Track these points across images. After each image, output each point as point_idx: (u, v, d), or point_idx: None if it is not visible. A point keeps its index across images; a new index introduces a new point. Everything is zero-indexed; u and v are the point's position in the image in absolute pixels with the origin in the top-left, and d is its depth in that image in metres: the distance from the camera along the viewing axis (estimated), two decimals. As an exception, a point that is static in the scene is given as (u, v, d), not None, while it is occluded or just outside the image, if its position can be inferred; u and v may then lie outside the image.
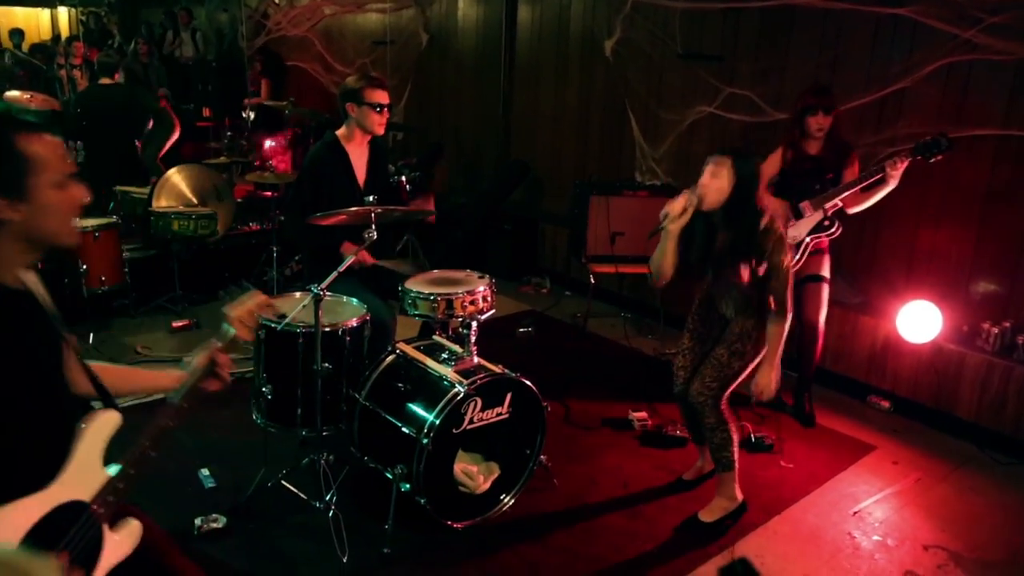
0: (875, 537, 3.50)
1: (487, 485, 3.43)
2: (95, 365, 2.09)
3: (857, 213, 4.22)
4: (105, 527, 1.89)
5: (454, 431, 3.24)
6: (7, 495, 1.69)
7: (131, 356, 5.07)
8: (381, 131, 3.95)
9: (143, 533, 2.00)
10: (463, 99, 8.01)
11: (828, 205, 4.11)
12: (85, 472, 1.85)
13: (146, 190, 6.07)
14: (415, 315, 3.56)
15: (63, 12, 13.17)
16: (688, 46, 5.73)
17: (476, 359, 3.47)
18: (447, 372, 3.35)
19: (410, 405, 3.34)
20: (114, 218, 5.52)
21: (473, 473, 3.42)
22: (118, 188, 6.31)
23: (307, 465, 3.56)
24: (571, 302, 6.45)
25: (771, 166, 4.29)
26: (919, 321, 4.47)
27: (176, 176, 6.07)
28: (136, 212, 6.10)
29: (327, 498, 3.35)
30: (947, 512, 3.72)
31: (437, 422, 3.15)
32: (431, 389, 3.32)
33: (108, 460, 1.91)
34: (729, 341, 3.35)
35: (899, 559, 3.36)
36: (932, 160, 3.87)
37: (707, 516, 3.47)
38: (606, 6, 6.26)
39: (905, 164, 3.90)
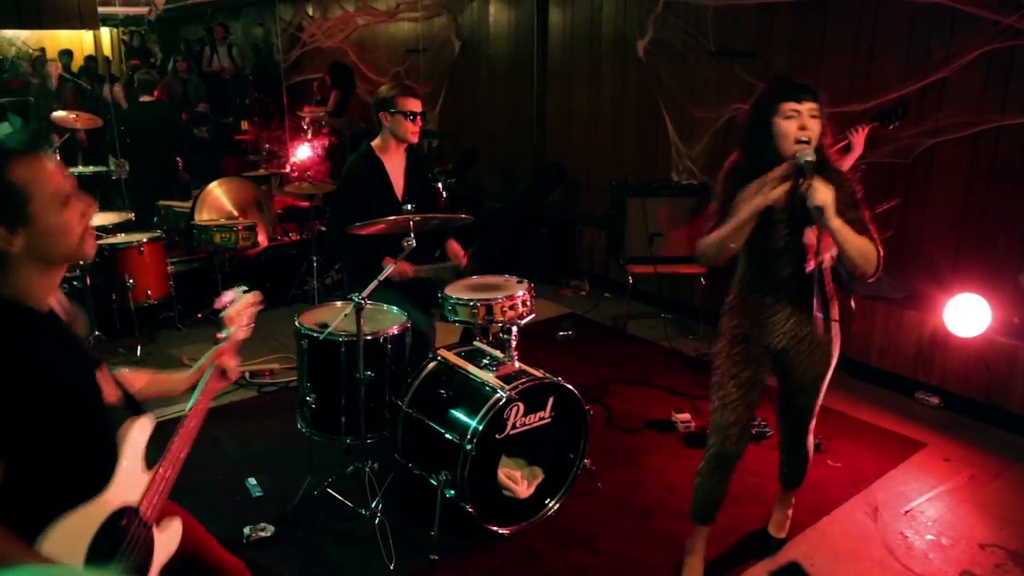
0: (929, 536, 3.43)
1: (531, 490, 3.43)
2: (118, 373, 2.14)
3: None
4: (154, 528, 1.95)
5: (497, 436, 3.25)
6: (64, 507, 1.73)
7: (178, 367, 5.16)
8: (415, 139, 3.98)
9: (183, 528, 2.08)
10: (497, 104, 8.04)
11: None
12: (131, 477, 1.91)
13: (188, 204, 6.19)
14: (455, 321, 3.57)
15: (105, 32, 13.46)
16: (721, 43, 5.68)
17: (517, 364, 3.48)
18: (489, 377, 3.36)
19: (453, 411, 3.35)
20: (158, 232, 5.64)
21: (517, 478, 3.43)
22: (161, 203, 6.44)
23: (352, 473, 3.60)
24: (610, 304, 6.42)
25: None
26: (967, 314, 4.38)
27: (217, 189, 6.18)
28: (179, 226, 6.22)
29: (373, 505, 3.38)
30: (1003, 510, 3.63)
31: (480, 428, 3.16)
32: (473, 395, 3.33)
33: (147, 463, 1.98)
34: (808, 370, 2.91)
35: (955, 558, 3.29)
36: (891, 126, 4.15)
37: (781, 532, 3.36)
38: (638, 7, 6.23)
39: (866, 130, 4.09)
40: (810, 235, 2.62)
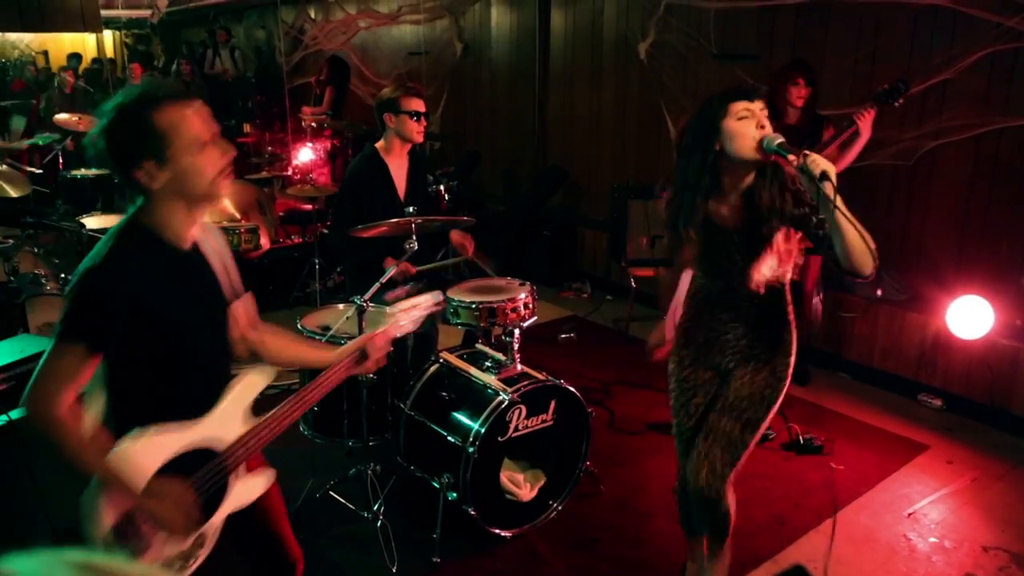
0: (932, 539, 3.43)
1: (533, 492, 3.43)
2: (267, 330, 2.29)
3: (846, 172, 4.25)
4: (234, 475, 2.05)
5: (499, 439, 3.25)
6: (159, 420, 1.88)
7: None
8: (420, 139, 3.98)
9: (267, 493, 2.20)
10: (499, 106, 8.04)
11: None
12: (228, 419, 2.03)
13: (191, 207, 6.18)
14: (457, 324, 3.57)
15: (108, 36, 13.50)
16: (723, 46, 5.69)
17: (519, 366, 3.48)
18: (491, 380, 3.36)
19: (455, 414, 3.35)
20: (161, 235, 5.63)
21: (519, 481, 3.43)
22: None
23: (354, 475, 3.60)
24: (612, 306, 6.42)
25: None
26: (970, 316, 4.37)
27: (219, 192, 6.17)
28: (182, 229, 6.22)
29: (375, 508, 3.38)
30: (1007, 512, 3.62)
31: (483, 430, 3.16)
32: (475, 398, 3.33)
33: (251, 415, 2.09)
34: (745, 396, 2.59)
35: (958, 561, 3.28)
36: (897, 103, 4.01)
37: None
38: (639, 9, 6.24)
39: (872, 113, 4.04)
40: (782, 245, 2.43)
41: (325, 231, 6.35)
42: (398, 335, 2.39)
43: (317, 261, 6.14)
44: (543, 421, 3.37)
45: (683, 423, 2.72)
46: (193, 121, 1.86)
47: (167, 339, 1.92)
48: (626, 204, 5.65)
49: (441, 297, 2.49)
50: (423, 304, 2.47)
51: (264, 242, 6.07)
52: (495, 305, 3.47)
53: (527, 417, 3.31)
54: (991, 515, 3.61)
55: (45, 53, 13.69)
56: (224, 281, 2.11)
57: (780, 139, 2.27)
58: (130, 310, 1.82)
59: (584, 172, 7.11)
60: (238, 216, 6.19)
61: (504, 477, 3.38)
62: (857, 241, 2.23)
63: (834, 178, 2.19)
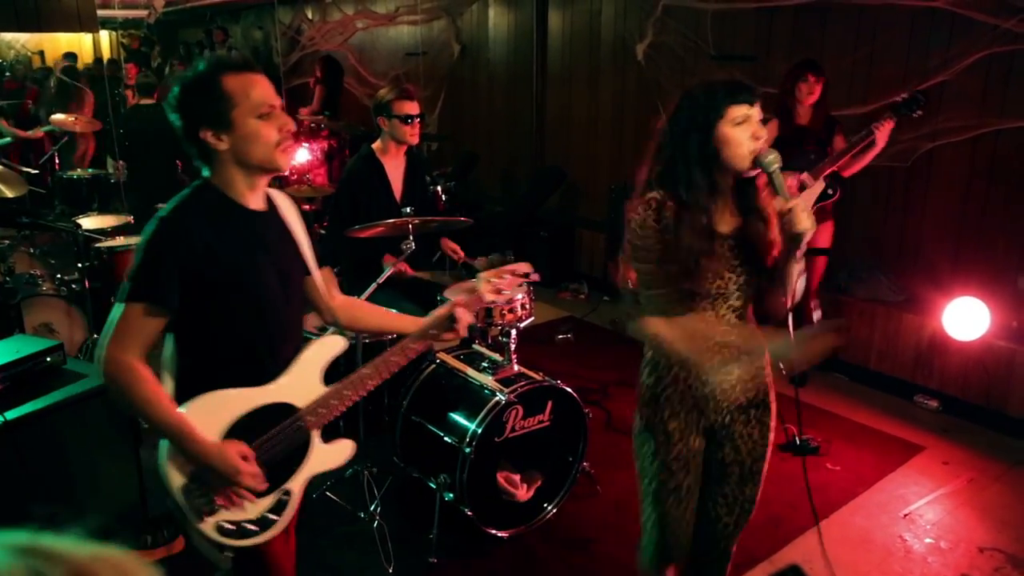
0: (928, 540, 3.43)
1: (530, 493, 3.42)
2: (346, 299, 2.40)
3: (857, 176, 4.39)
4: (315, 435, 2.10)
5: (496, 440, 3.25)
6: (230, 382, 1.95)
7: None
8: (414, 140, 3.98)
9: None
10: (496, 107, 8.04)
11: (826, 173, 4.31)
12: (303, 381, 2.07)
13: (188, 207, 6.17)
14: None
15: (104, 35, 13.47)
16: (721, 48, 5.69)
17: (516, 367, 3.48)
18: (488, 381, 3.36)
19: (452, 414, 3.35)
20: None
21: (516, 481, 3.42)
22: (160, 205, 6.42)
23: (351, 476, 3.59)
24: (609, 307, 6.42)
25: (771, 133, 4.49)
26: (966, 318, 4.38)
27: (216, 193, 6.16)
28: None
29: (372, 508, 3.38)
30: (1003, 513, 3.63)
31: (479, 431, 3.16)
32: (472, 398, 3.32)
33: (327, 380, 2.12)
34: (760, 454, 2.32)
35: (954, 562, 3.28)
36: (916, 114, 4.06)
37: None
38: (637, 10, 6.24)
39: (890, 124, 4.07)
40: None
41: (322, 231, 6.35)
42: (486, 303, 2.38)
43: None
44: (540, 422, 3.37)
45: (671, 509, 2.31)
46: (257, 88, 1.93)
47: (233, 294, 1.95)
48: (624, 205, 5.64)
49: (531, 268, 2.45)
50: (512, 274, 2.38)
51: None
52: (492, 305, 3.47)
53: (524, 418, 3.30)
54: (987, 516, 3.61)
55: (41, 53, 13.66)
56: (304, 249, 2.17)
57: (779, 162, 2.04)
58: (197, 264, 1.87)
59: (582, 173, 7.11)
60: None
61: (501, 478, 3.37)
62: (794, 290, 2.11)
63: (807, 238, 2.04)
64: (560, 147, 7.35)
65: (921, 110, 4.06)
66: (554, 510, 3.50)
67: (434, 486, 3.31)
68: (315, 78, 8.48)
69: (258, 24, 12.31)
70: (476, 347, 3.77)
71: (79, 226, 5.08)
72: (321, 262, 2.27)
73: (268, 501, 2.02)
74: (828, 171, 4.31)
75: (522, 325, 3.54)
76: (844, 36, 4.92)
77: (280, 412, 2.01)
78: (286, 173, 2.02)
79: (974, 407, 4.47)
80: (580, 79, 6.99)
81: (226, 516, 1.96)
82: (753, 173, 2.08)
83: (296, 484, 2.09)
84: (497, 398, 3.21)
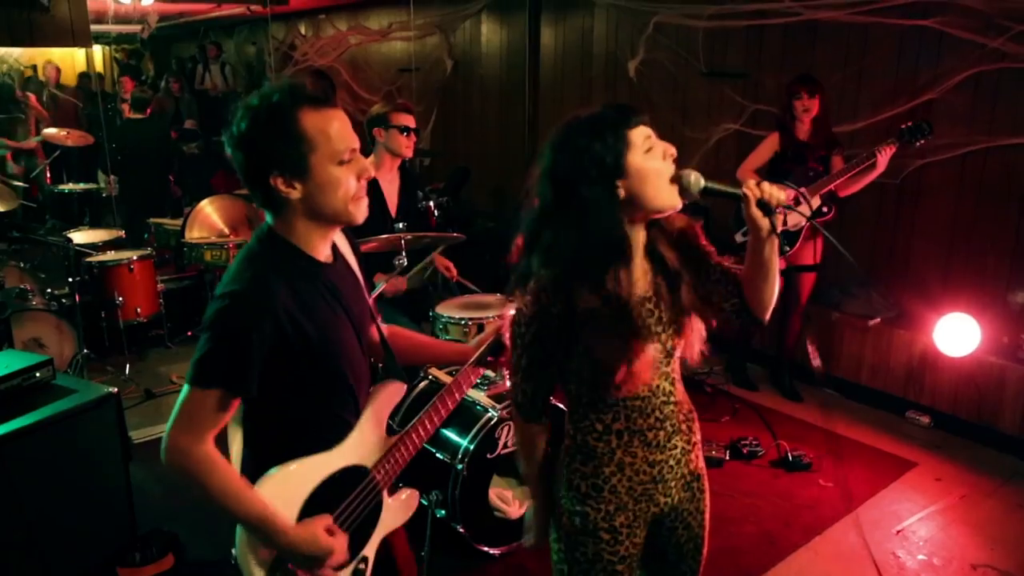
0: (920, 556, 3.42)
1: (523, 510, 3.41)
2: (388, 328, 2.15)
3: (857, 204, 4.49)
4: (385, 494, 1.95)
5: (488, 456, 3.23)
6: (308, 445, 1.77)
7: (167, 386, 5.13)
8: (410, 153, 3.99)
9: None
10: (489, 123, 8.06)
11: (823, 191, 4.34)
12: (371, 437, 1.91)
13: (179, 221, 6.18)
14: (446, 340, 3.56)
15: (97, 50, 13.47)
16: (712, 64, 5.73)
17: (509, 383, 3.46)
18: (480, 397, 3.35)
19: (443, 431, 3.33)
20: (149, 250, 5.62)
21: (508, 498, 3.41)
22: (152, 220, 6.42)
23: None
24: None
25: (765, 151, 4.56)
26: (957, 334, 4.39)
27: (208, 207, 6.16)
28: (170, 243, 6.21)
29: (363, 525, 3.34)
30: (995, 530, 3.63)
31: (471, 447, 3.14)
32: (464, 414, 3.31)
33: (390, 429, 1.98)
34: (704, 526, 1.99)
35: (946, 579, 3.28)
36: (918, 144, 4.11)
37: None
38: (629, 27, 6.28)
39: (892, 150, 4.11)
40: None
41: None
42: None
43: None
44: (532, 438, 3.35)
45: None
46: (338, 128, 1.67)
47: (316, 360, 1.74)
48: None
49: None
50: None
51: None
52: (484, 321, 3.47)
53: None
54: (980, 532, 3.61)
55: (34, 68, 13.65)
56: (365, 290, 1.97)
57: (703, 178, 1.70)
58: (280, 338, 1.64)
59: (574, 189, 7.11)
60: (227, 231, 6.17)
61: (493, 494, 3.36)
62: (775, 283, 1.80)
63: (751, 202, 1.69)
64: (552, 163, 7.35)
65: (925, 139, 4.11)
66: (546, 527, 3.48)
67: (426, 503, 3.28)
68: None
69: (251, 39, 12.34)
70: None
71: (70, 240, 5.07)
72: None
73: (346, 573, 1.84)
74: (825, 189, 4.33)
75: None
76: (834, 53, 4.96)
77: (353, 475, 1.85)
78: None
79: (966, 423, 4.47)
80: (572, 95, 7.02)
81: None
82: (678, 207, 1.71)
83: (372, 550, 1.93)
84: (489, 414, 3.20)
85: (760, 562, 3.35)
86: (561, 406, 3.31)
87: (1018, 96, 4.22)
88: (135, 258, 5.28)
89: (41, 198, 7.79)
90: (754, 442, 4.24)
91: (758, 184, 1.69)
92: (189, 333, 5.93)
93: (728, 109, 5.59)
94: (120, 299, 5.17)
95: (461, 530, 3.22)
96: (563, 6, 6.95)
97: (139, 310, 5.30)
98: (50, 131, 7.13)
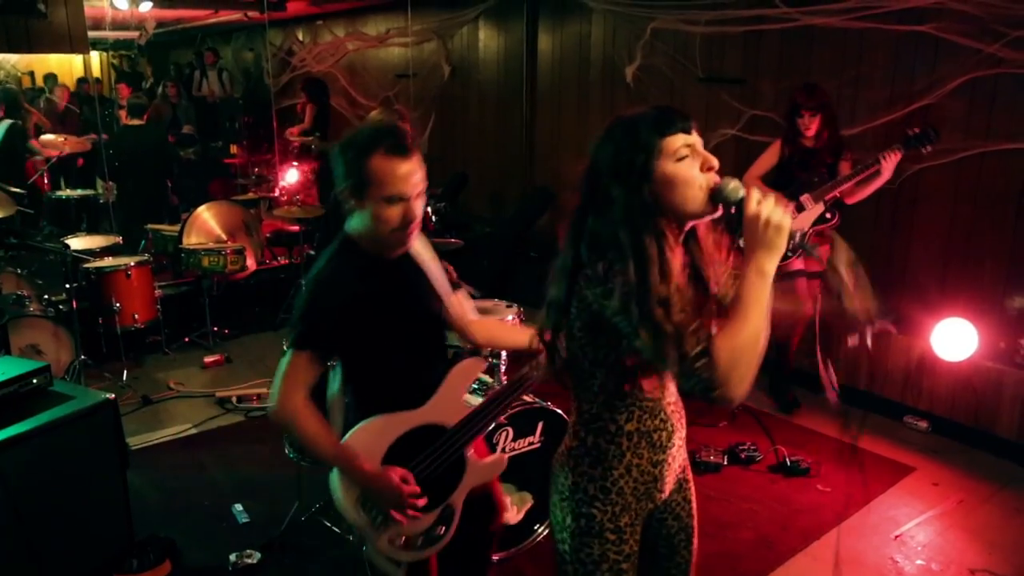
0: (919, 561, 3.42)
1: (520, 515, 3.40)
2: (481, 319, 2.58)
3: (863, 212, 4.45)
4: (469, 452, 2.32)
5: (486, 461, 3.23)
6: (389, 408, 2.19)
7: (164, 392, 5.13)
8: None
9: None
10: (486, 128, 8.07)
11: (827, 197, 4.34)
12: (450, 403, 2.29)
13: (176, 228, 6.17)
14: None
15: (95, 56, 13.48)
16: (709, 70, 5.74)
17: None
18: (477, 402, 3.34)
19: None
20: (146, 256, 5.61)
21: (506, 504, 3.40)
22: (149, 226, 6.42)
23: (340, 498, 3.56)
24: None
25: (768, 159, 4.56)
26: (954, 339, 4.40)
27: (205, 213, 6.16)
28: (167, 249, 6.20)
29: (361, 531, 3.34)
30: (993, 534, 3.63)
31: (469, 453, 3.15)
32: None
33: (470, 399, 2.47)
34: (687, 521, 2.04)
35: (944, 584, 3.28)
36: (924, 151, 4.08)
37: None
38: (626, 33, 6.29)
39: (898, 156, 4.09)
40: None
41: (312, 252, 6.34)
42: None
43: (304, 283, 6.12)
44: (530, 443, 3.36)
45: None
46: (398, 175, 2.08)
47: (385, 336, 2.18)
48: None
49: None
50: None
51: (250, 263, 6.05)
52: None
53: (514, 439, 3.29)
54: (978, 537, 3.61)
55: (31, 74, 13.65)
56: (439, 282, 2.36)
57: (742, 187, 1.69)
58: (352, 317, 2.11)
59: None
60: (224, 237, 6.17)
61: (491, 500, 3.36)
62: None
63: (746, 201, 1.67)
64: (549, 168, 7.37)
65: (931, 146, 4.08)
66: (545, 532, 3.48)
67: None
68: (302, 100, 8.54)
69: (249, 46, 12.36)
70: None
71: (67, 246, 5.06)
72: None
73: (432, 517, 2.24)
74: (829, 196, 4.33)
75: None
76: (830, 59, 4.97)
77: (432, 432, 2.24)
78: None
79: (963, 427, 4.48)
80: (569, 101, 7.03)
81: (397, 532, 2.18)
82: (710, 211, 1.71)
83: (458, 498, 2.30)
84: (487, 420, 3.21)
85: (758, 567, 3.34)
86: (559, 412, 3.32)
87: (1014, 101, 4.23)
88: (132, 264, 5.27)
89: (40, 204, 7.77)
90: (752, 447, 4.24)
91: (760, 202, 1.64)
92: (187, 339, 5.92)
93: (725, 114, 5.60)
94: (117, 305, 5.16)
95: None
96: (560, 12, 6.96)
97: (136, 316, 5.30)
98: (47, 137, 7.13)
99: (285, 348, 2.13)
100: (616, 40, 6.43)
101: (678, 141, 1.69)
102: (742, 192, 1.67)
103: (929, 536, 3.61)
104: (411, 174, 2.10)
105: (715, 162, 1.71)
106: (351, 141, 2.14)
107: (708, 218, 1.74)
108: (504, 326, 2.59)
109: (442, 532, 2.27)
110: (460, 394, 2.32)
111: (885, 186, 4.64)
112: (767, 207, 1.62)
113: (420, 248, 2.33)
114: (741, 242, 1.69)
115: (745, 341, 1.59)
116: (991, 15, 4.16)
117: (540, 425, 3.37)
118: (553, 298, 1.84)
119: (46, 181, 7.51)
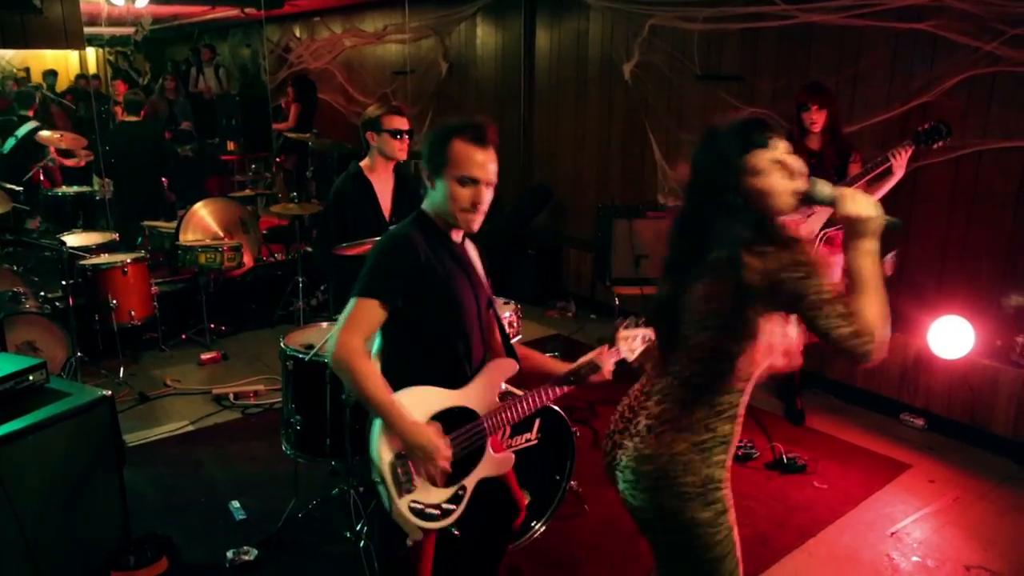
0: (914, 558, 3.43)
1: (518, 512, 3.41)
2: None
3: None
4: (489, 443, 2.43)
5: (483, 458, 3.24)
6: (427, 379, 2.32)
7: (161, 389, 5.12)
8: (403, 156, 3.99)
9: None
10: (483, 126, 8.05)
11: None
12: (485, 393, 2.42)
13: (173, 224, 6.16)
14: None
15: (91, 52, 13.45)
16: (707, 67, 5.74)
17: (504, 385, 3.46)
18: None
19: (439, 433, 3.34)
20: (143, 253, 5.60)
21: (523, 504, 3.40)
22: (146, 223, 6.41)
23: (337, 495, 3.57)
24: (597, 325, 6.43)
25: None
26: (951, 336, 4.41)
27: (202, 210, 6.16)
28: (164, 246, 6.19)
29: (358, 528, 3.35)
30: (988, 531, 3.64)
31: (466, 450, 3.15)
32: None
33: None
34: None
35: (940, 581, 3.29)
36: (935, 146, 3.91)
37: None
38: (624, 30, 6.29)
39: (908, 153, 3.88)
40: None
41: (309, 249, 6.34)
42: (621, 356, 2.68)
43: (300, 279, 6.12)
44: (527, 440, 3.36)
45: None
46: (474, 161, 2.29)
47: (441, 303, 2.31)
48: (611, 223, 5.67)
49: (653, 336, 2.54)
50: (643, 336, 2.71)
51: (247, 260, 6.04)
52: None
53: (511, 436, 3.29)
54: (973, 534, 3.62)
55: (27, 70, 13.61)
56: (488, 283, 2.53)
57: (830, 186, 1.92)
58: (417, 273, 2.25)
59: (569, 191, 7.13)
60: (221, 234, 6.17)
61: (488, 497, 3.36)
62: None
63: (861, 220, 1.92)
64: (547, 166, 7.37)
65: (943, 141, 3.87)
66: (542, 529, 3.49)
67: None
68: (288, 97, 8.54)
69: (246, 42, 12.32)
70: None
71: (63, 243, 5.05)
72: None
73: (448, 493, 2.35)
74: None
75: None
76: (828, 57, 4.98)
77: (465, 415, 2.36)
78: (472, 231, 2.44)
79: (959, 425, 4.49)
80: (567, 98, 7.03)
81: (417, 497, 2.29)
82: (806, 212, 1.94)
83: (471, 482, 2.41)
84: (484, 417, 3.21)
85: (754, 564, 3.35)
86: (557, 409, 3.32)
87: (1012, 100, 4.24)
88: (129, 261, 5.26)
89: (36, 201, 7.74)
90: (749, 444, 4.24)
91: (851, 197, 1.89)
92: (183, 336, 5.92)
93: (723, 112, 5.57)
94: (114, 302, 5.15)
95: (455, 532, 3.20)
96: (558, 9, 6.96)
97: (133, 313, 5.29)
98: (44, 134, 7.10)
99: (352, 297, 2.23)
100: (614, 37, 6.43)
101: (761, 157, 1.86)
102: (829, 193, 1.89)
103: (925, 533, 3.62)
104: (487, 162, 2.31)
105: (802, 168, 1.88)
106: (439, 126, 2.34)
107: (802, 218, 1.89)
108: (529, 352, 2.66)
109: (452, 509, 2.37)
110: (495, 387, 2.44)
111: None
112: (856, 205, 1.88)
113: (472, 251, 2.53)
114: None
115: (882, 308, 1.87)
116: (990, 13, 4.16)
117: (537, 422, 3.37)
118: (664, 296, 2.03)
119: (42, 178, 7.47)
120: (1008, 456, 4.27)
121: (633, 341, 2.68)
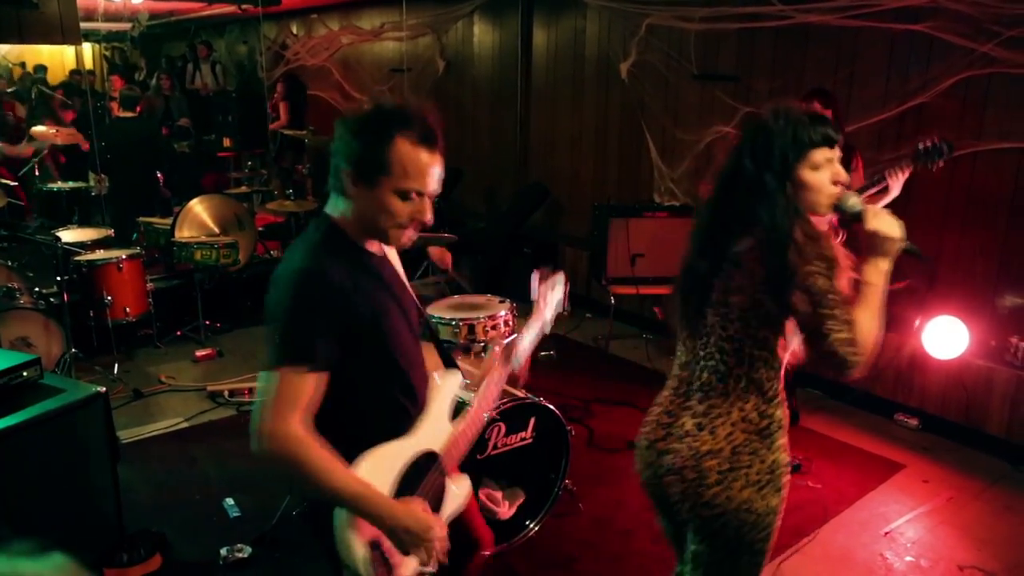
0: (908, 558, 3.44)
1: (512, 511, 3.40)
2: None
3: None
4: (448, 479, 2.05)
5: (478, 457, 3.22)
6: (375, 433, 1.87)
7: (155, 386, 5.11)
8: None
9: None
10: (480, 124, 8.06)
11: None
12: (438, 424, 2.03)
13: (169, 221, 6.15)
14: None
15: (87, 48, 13.42)
16: (703, 67, 5.74)
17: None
18: (470, 397, 3.34)
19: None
20: (138, 249, 5.59)
21: (497, 499, 3.40)
22: (141, 219, 6.39)
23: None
24: (592, 324, 6.43)
25: None
26: (945, 337, 4.41)
27: (198, 206, 6.14)
28: (159, 243, 6.18)
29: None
30: (982, 531, 3.65)
31: (461, 448, 3.14)
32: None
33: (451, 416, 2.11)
34: None
35: (933, 581, 3.30)
36: (935, 166, 3.61)
37: None
38: (621, 29, 6.29)
39: (906, 173, 3.70)
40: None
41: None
42: (534, 334, 2.50)
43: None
44: (522, 439, 3.36)
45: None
46: (417, 170, 1.79)
47: (373, 342, 1.85)
48: (607, 222, 5.67)
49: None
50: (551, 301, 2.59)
51: (243, 257, 6.04)
52: (475, 322, 3.47)
53: (506, 435, 3.29)
54: (967, 534, 3.63)
55: (23, 64, 13.58)
56: (413, 292, 2.10)
57: (861, 203, 1.98)
58: (343, 313, 1.75)
59: (565, 190, 7.13)
60: (217, 231, 6.16)
61: (482, 495, 3.35)
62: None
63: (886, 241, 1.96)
64: (544, 164, 7.37)
65: (943, 162, 3.60)
66: (536, 527, 3.49)
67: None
68: (278, 95, 8.54)
69: (243, 39, 12.30)
70: (458, 363, 3.76)
71: (58, 239, 5.04)
72: None
73: (421, 552, 1.89)
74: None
75: (504, 342, 3.53)
76: (824, 57, 4.98)
77: (426, 460, 1.96)
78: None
79: (954, 425, 4.50)
80: (564, 96, 7.03)
81: (400, 574, 1.87)
82: (830, 215, 1.97)
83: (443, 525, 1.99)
84: (479, 415, 3.20)
85: (749, 564, 3.35)
86: (551, 407, 3.32)
87: (1007, 101, 4.24)
88: (124, 257, 5.25)
89: (30, 196, 7.72)
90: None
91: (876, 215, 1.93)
92: (178, 333, 5.90)
93: (719, 112, 5.60)
94: (109, 298, 5.14)
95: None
96: (555, 7, 6.96)
97: (128, 309, 5.27)
98: (39, 129, 7.08)
99: (267, 367, 1.72)
100: (611, 36, 6.43)
101: (822, 154, 1.91)
102: (859, 207, 1.95)
103: (919, 532, 3.63)
104: (435, 169, 1.83)
105: (845, 178, 1.95)
106: (370, 118, 1.80)
107: (825, 220, 1.98)
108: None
109: (428, 570, 1.94)
110: (446, 414, 2.06)
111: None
112: (881, 223, 1.93)
113: (392, 256, 2.06)
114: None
115: (877, 327, 1.95)
116: (985, 14, 4.17)
117: (532, 421, 3.37)
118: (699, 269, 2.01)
119: (36, 172, 7.46)
120: (1002, 456, 4.28)
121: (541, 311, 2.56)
